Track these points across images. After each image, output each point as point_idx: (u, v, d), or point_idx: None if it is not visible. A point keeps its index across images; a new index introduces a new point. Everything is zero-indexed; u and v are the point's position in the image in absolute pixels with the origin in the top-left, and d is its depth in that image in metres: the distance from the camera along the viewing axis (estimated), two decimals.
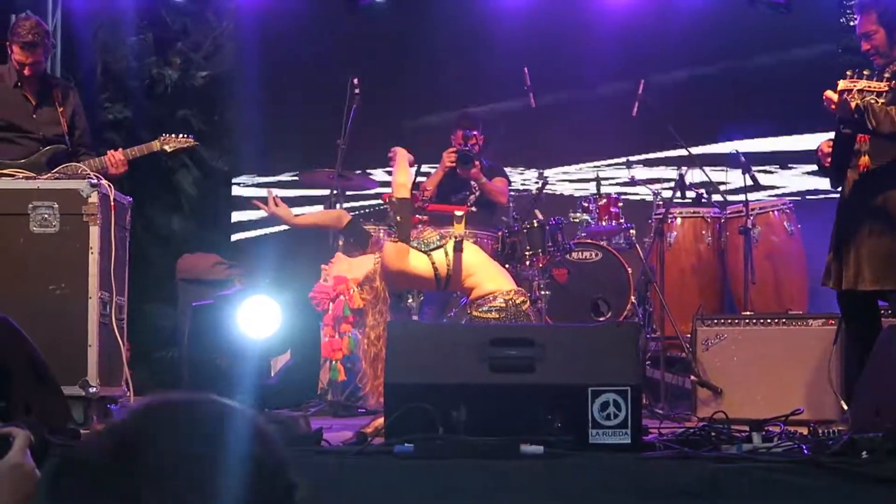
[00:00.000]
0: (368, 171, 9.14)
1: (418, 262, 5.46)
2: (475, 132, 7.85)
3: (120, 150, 6.25)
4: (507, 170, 8.61)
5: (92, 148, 6.37)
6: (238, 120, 10.41)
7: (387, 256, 5.39)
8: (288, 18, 10.29)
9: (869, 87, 4.77)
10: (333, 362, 5.74)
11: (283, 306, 4.26)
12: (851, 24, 5.52)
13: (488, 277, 5.53)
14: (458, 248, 5.48)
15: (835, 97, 4.82)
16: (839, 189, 5.42)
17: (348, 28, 10.23)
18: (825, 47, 9.80)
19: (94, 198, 5.42)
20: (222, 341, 4.22)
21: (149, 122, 10.06)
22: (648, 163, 9.94)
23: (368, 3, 10.08)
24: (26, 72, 6.18)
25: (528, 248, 7.22)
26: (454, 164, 7.60)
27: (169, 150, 6.41)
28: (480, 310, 5.44)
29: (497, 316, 5.38)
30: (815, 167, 6.14)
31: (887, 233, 5.11)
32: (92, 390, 5.29)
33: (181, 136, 6.45)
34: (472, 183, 7.73)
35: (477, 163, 7.65)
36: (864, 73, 4.84)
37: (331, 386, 7.13)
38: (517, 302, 5.44)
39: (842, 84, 4.83)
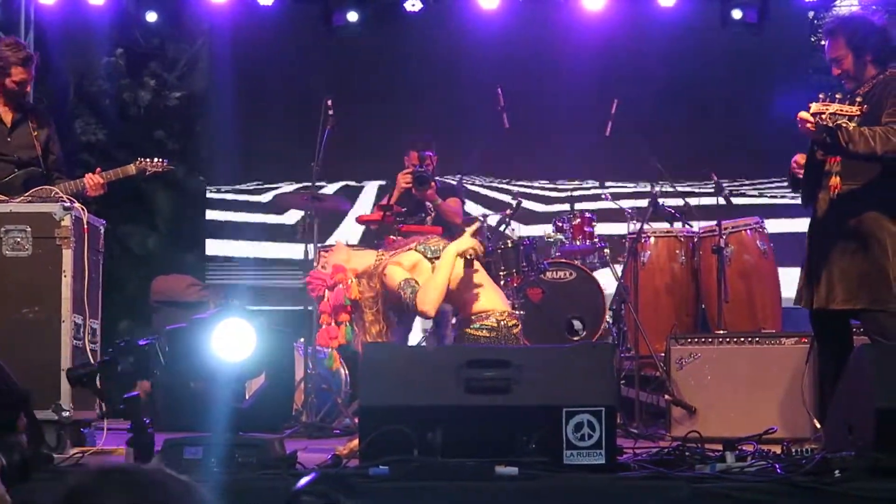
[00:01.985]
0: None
1: (422, 269, 5.43)
2: (429, 153, 7.86)
3: (98, 171, 6.24)
4: (482, 190, 8.63)
5: (67, 174, 6.32)
6: (212, 140, 10.41)
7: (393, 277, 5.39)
8: (261, 38, 10.30)
9: (841, 110, 4.80)
10: (329, 350, 5.66)
11: (258, 329, 4.24)
12: (822, 43, 5.56)
13: (485, 295, 5.51)
14: (469, 264, 5.46)
15: (809, 118, 4.86)
16: (809, 208, 5.45)
17: (322, 47, 10.26)
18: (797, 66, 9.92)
19: (66, 221, 5.40)
20: (196, 365, 4.19)
21: (123, 144, 10.05)
22: (621, 178, 10.01)
23: (343, 22, 10.10)
24: (28, 88, 6.20)
25: (502, 268, 7.24)
26: (410, 185, 7.60)
27: (147, 174, 6.43)
28: (472, 327, 5.42)
29: (488, 335, 5.37)
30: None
31: (860, 253, 5.14)
32: (65, 414, 5.26)
33: (157, 160, 6.47)
34: (428, 204, 7.72)
35: (432, 183, 7.66)
36: (837, 96, 4.88)
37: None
38: (509, 324, 5.44)
39: (814, 107, 4.85)
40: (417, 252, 5.48)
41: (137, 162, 6.44)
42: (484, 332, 5.39)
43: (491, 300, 5.51)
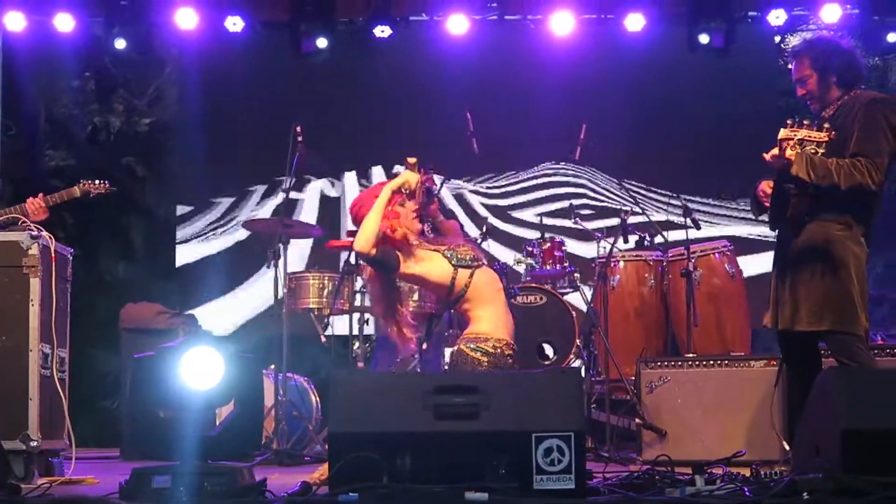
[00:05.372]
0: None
1: (440, 267, 5.49)
2: (432, 170, 7.85)
3: (40, 195, 6.23)
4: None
5: (3, 201, 6.33)
6: (182, 166, 10.39)
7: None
8: (231, 65, 10.32)
9: (809, 136, 4.82)
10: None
11: (226, 357, 4.24)
12: (789, 66, 5.60)
13: (489, 318, 5.50)
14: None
15: (774, 151, 4.89)
16: (776, 231, 5.49)
17: (291, 74, 10.29)
18: (764, 90, 10.01)
19: (34, 250, 5.37)
20: (165, 393, 4.18)
21: (92, 170, 9.97)
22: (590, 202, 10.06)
23: (312, 49, 10.13)
24: None
25: None
26: None
27: (91, 196, 6.44)
28: (469, 346, 5.42)
29: (484, 359, 5.36)
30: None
31: (824, 275, 5.15)
32: (33, 444, 5.22)
33: (99, 182, 6.49)
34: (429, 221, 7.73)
35: (436, 199, 7.66)
36: (805, 122, 4.89)
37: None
38: (505, 353, 5.42)
39: (782, 133, 4.87)
40: (443, 254, 5.58)
41: (81, 184, 6.47)
42: (479, 354, 5.38)
43: (493, 324, 5.49)
